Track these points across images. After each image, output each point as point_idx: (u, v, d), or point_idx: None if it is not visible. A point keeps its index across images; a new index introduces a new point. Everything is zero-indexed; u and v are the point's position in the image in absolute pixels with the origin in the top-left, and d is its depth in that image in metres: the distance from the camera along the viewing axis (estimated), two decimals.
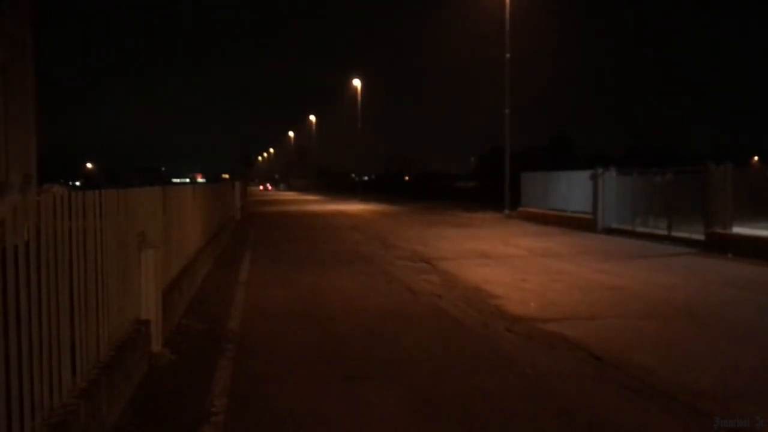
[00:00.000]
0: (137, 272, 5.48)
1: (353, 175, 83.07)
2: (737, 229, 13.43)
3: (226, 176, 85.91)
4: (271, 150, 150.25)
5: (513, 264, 11.77)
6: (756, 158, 63.71)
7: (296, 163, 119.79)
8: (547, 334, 6.56)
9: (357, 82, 56.57)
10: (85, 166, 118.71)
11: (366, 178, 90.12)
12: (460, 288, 9.23)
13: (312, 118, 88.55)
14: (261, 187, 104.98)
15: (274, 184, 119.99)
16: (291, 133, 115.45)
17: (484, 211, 28.48)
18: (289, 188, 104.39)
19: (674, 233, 15.03)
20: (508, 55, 27.79)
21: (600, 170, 18.66)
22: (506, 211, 26.03)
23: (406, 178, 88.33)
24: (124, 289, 4.99)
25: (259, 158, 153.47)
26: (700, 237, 14.00)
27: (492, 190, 36.28)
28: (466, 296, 8.60)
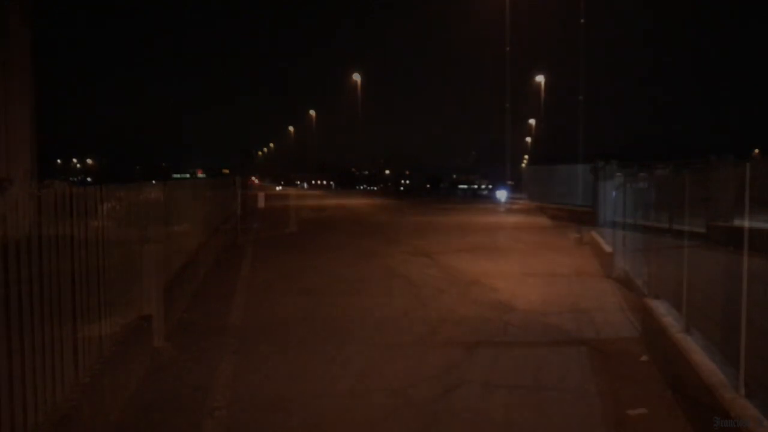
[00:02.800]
0: (139, 267, 5.48)
1: (354, 170, 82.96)
2: (738, 222, 13.42)
3: (227, 172, 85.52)
4: (271, 145, 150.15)
5: (513, 257, 11.77)
6: (757, 151, 63.67)
7: (296, 158, 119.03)
8: (547, 326, 6.57)
9: (357, 77, 56.47)
10: (86, 162, 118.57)
11: (366, 173, 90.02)
12: (462, 281, 9.22)
13: (312, 113, 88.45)
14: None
15: (261, 178, 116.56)
16: (291, 128, 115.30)
17: (484, 205, 28.44)
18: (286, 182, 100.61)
19: (675, 226, 14.99)
20: (507, 48, 27.86)
21: (601, 163, 18.62)
22: (508, 205, 26.03)
23: (407, 172, 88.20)
24: (125, 284, 4.99)
25: (260, 153, 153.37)
26: (702, 230, 13.97)
27: (493, 184, 36.24)
28: (467, 289, 8.60)
